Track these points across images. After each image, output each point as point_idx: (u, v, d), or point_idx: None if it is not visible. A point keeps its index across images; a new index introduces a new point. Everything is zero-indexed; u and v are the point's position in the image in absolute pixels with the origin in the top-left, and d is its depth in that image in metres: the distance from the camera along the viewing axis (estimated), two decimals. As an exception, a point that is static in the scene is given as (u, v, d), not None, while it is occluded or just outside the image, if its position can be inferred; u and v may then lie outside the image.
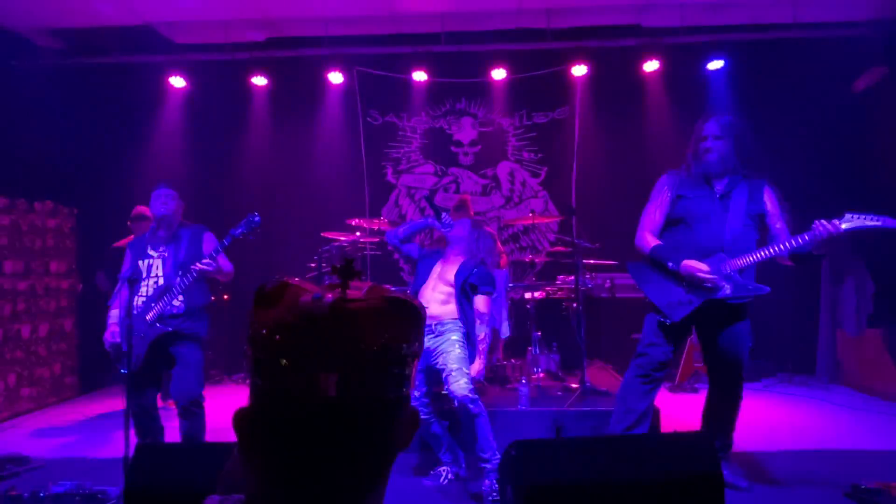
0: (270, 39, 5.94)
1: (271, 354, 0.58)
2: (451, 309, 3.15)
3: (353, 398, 0.57)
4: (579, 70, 5.82)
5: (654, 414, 3.51)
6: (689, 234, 2.89)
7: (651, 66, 5.77)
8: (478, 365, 3.16)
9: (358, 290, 0.65)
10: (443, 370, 3.08)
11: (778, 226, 2.89)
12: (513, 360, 4.76)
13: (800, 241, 2.69)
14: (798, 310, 5.67)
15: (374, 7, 5.37)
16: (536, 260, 5.67)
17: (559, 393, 4.25)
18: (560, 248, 5.71)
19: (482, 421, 3.01)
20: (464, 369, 3.03)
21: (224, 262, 3.23)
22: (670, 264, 2.83)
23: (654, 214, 3.00)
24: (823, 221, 2.63)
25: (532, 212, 5.03)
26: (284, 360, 0.57)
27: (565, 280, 4.97)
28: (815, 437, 3.95)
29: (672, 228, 2.97)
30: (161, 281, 3.17)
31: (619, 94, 6.06)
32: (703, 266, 2.76)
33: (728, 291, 2.78)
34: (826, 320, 5.62)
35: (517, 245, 6.26)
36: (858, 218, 2.61)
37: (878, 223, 2.59)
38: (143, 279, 3.17)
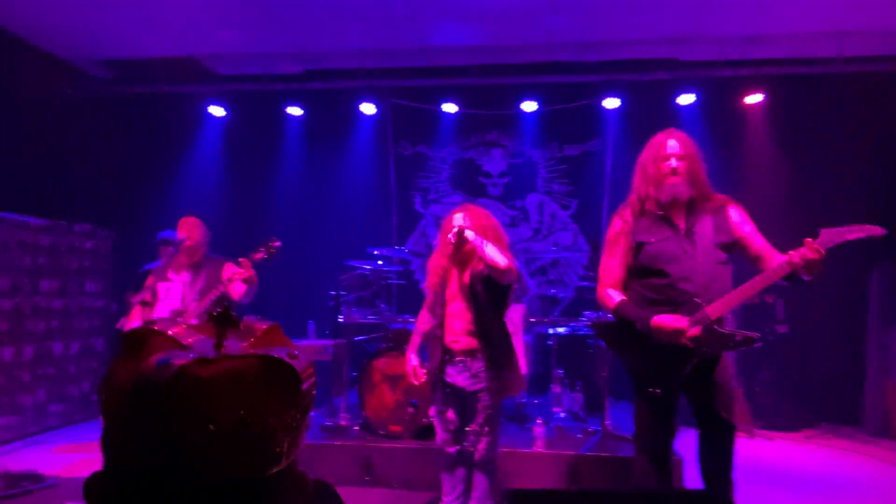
0: (308, 71, 6.10)
1: (111, 419, 0.52)
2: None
3: (207, 480, 0.50)
4: (612, 103, 5.74)
5: (677, 463, 3.33)
6: (657, 283, 2.40)
7: (687, 99, 5.65)
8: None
9: (249, 335, 0.59)
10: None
11: (758, 245, 2.41)
12: (533, 399, 4.61)
13: (780, 271, 2.20)
14: (842, 354, 5.34)
15: (407, 41, 5.46)
16: (561, 295, 5.53)
17: (579, 435, 4.08)
18: (588, 283, 5.56)
19: (488, 479, 2.81)
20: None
21: (238, 287, 3.25)
22: (639, 324, 2.34)
23: (612, 267, 2.53)
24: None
25: (556, 245, 4.91)
26: (124, 429, 0.51)
27: (591, 317, 4.82)
28: (859, 496, 3.65)
29: (637, 279, 2.49)
30: (178, 304, 3.22)
31: (653, 127, 5.79)
32: (680, 323, 2.26)
33: (709, 346, 2.27)
34: (874, 366, 5.25)
35: (545, 278, 6.13)
36: (836, 233, 2.16)
37: (862, 234, 2.14)
38: (162, 302, 3.22)
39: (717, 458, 2.45)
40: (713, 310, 2.27)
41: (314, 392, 0.61)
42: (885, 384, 5.16)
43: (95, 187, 5.73)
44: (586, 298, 5.38)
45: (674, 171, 2.43)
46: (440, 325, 2.88)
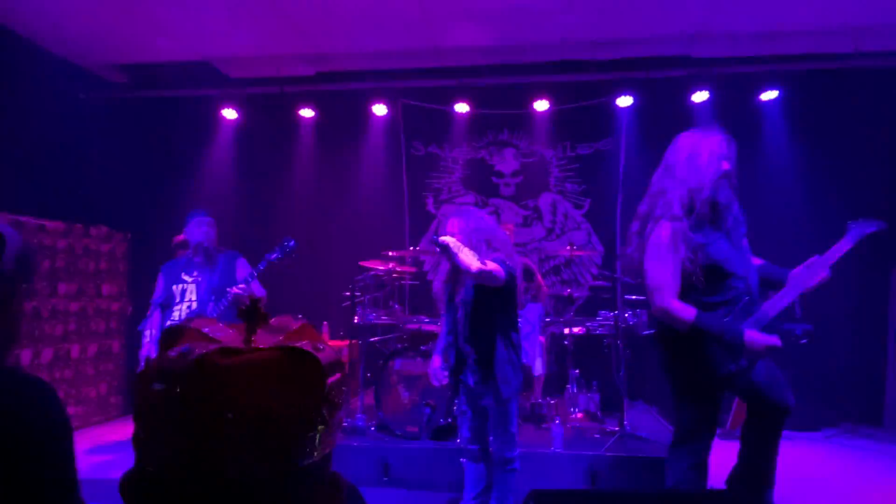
0: (319, 73, 6.12)
1: (139, 413, 0.51)
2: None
3: (232, 474, 0.48)
4: (625, 101, 5.71)
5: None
6: (720, 288, 2.36)
7: (700, 96, 5.60)
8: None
9: (281, 332, 0.58)
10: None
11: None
12: (549, 399, 4.59)
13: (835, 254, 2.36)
14: (863, 353, 5.27)
15: (419, 41, 5.46)
16: (576, 294, 5.50)
17: (597, 436, 4.05)
18: (602, 283, 5.53)
19: (508, 478, 2.91)
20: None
21: (257, 288, 3.27)
22: (728, 336, 2.26)
23: (672, 274, 2.36)
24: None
25: (571, 244, 4.89)
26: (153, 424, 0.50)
27: (607, 316, 4.79)
28: (881, 497, 3.59)
29: (697, 286, 2.37)
30: (194, 305, 3.23)
31: (666, 124, 5.80)
32: (771, 339, 2.24)
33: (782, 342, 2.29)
34: (895, 365, 5.18)
35: (559, 278, 6.11)
36: (861, 225, 2.34)
37: (874, 228, 2.32)
38: (177, 303, 3.23)
39: (762, 444, 2.52)
40: (771, 308, 2.29)
41: (344, 388, 0.60)
42: (906, 383, 5.09)
43: (111, 190, 5.78)
44: (601, 298, 5.36)
45: (728, 174, 2.38)
46: (453, 329, 2.96)
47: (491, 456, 2.93)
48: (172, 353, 0.52)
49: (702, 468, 2.44)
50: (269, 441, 0.50)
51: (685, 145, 2.49)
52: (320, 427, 0.53)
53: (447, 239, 2.68)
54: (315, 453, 0.53)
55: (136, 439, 0.54)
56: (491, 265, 2.66)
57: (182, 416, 0.49)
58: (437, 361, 3.07)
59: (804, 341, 2.32)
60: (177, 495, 0.50)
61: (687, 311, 2.32)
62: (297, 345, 0.55)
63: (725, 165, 2.39)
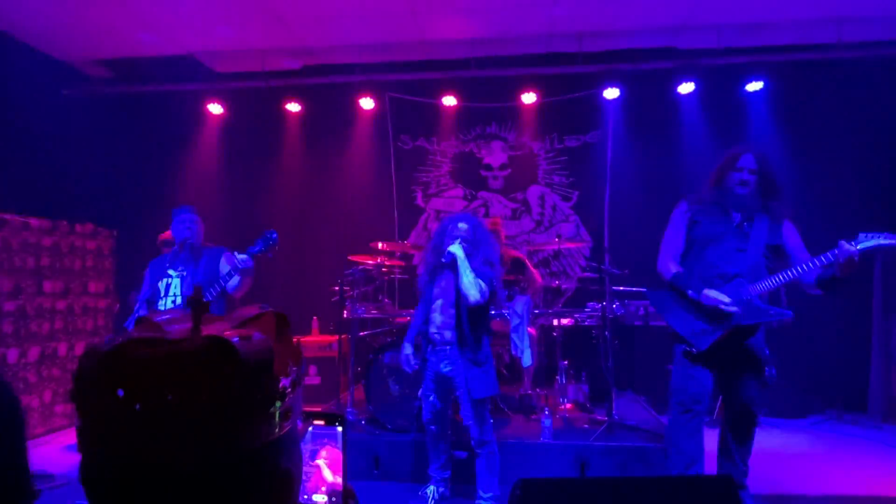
0: (306, 67, 6.08)
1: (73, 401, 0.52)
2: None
3: (157, 464, 0.49)
4: (612, 93, 5.72)
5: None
6: (709, 260, 2.84)
7: (686, 87, 5.62)
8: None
9: (235, 321, 0.58)
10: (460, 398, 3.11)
11: (802, 258, 2.79)
12: (539, 390, 4.62)
13: (822, 260, 2.58)
14: (847, 341, 5.34)
15: (405, 34, 5.43)
16: (565, 286, 5.53)
17: (586, 426, 4.08)
18: (590, 275, 5.56)
19: (489, 461, 3.07)
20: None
21: (234, 281, 3.23)
22: (690, 292, 2.79)
23: (675, 240, 2.96)
24: (846, 241, 2.52)
25: (558, 236, 4.90)
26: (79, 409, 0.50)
27: (595, 307, 4.82)
28: (866, 482, 3.65)
29: (691, 254, 2.93)
30: (179, 300, 3.22)
31: (653, 116, 5.93)
32: (724, 297, 2.70)
33: (748, 318, 2.70)
34: (878, 353, 5.25)
35: (548, 270, 6.13)
36: (873, 237, 2.49)
37: (893, 242, 2.47)
38: (161, 298, 3.22)
39: (735, 437, 2.90)
40: (754, 288, 2.70)
41: (288, 377, 0.58)
42: (890, 370, 5.16)
43: (96, 187, 5.72)
44: (590, 289, 5.39)
45: (743, 183, 2.81)
46: (426, 317, 3.22)
47: (470, 442, 3.11)
48: (95, 346, 0.52)
49: (691, 415, 2.82)
50: (186, 431, 0.49)
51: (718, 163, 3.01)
52: (245, 418, 0.52)
53: (457, 252, 2.97)
54: (245, 445, 0.52)
55: (77, 430, 0.55)
56: (480, 294, 2.95)
57: (96, 406, 0.50)
58: (408, 348, 3.26)
59: (775, 324, 2.74)
60: (113, 483, 0.51)
61: (669, 270, 2.90)
62: (225, 334, 0.54)
63: (737, 177, 2.84)
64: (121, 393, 0.49)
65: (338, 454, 1.16)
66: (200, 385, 0.49)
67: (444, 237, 3.11)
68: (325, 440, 1.09)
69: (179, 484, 0.50)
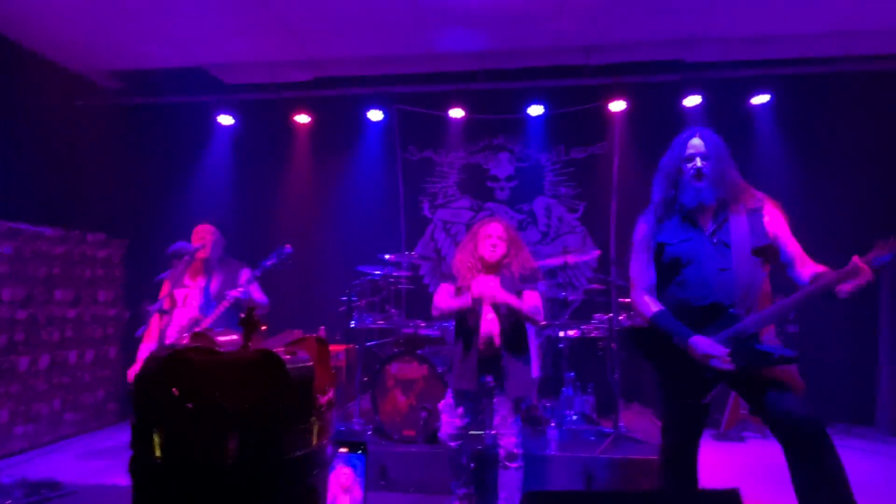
0: (316, 79, 6.15)
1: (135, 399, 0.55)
2: None
3: (204, 461, 0.51)
4: (618, 105, 5.76)
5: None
6: (689, 292, 2.28)
7: (693, 100, 5.65)
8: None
9: (282, 341, 0.61)
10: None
11: (790, 249, 2.27)
12: (545, 402, 4.62)
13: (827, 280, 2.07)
14: (855, 354, 5.32)
15: (414, 47, 5.50)
16: (571, 297, 5.54)
17: (592, 438, 4.08)
18: (596, 286, 5.56)
19: (517, 476, 2.99)
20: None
21: (257, 294, 3.30)
22: (675, 339, 2.26)
23: (646, 271, 2.41)
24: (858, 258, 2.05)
25: (565, 248, 4.92)
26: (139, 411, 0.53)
27: (601, 319, 4.82)
28: (874, 498, 3.63)
29: (670, 285, 2.36)
30: (194, 311, 3.26)
31: (659, 128, 5.87)
32: (715, 351, 2.15)
33: (748, 366, 2.16)
34: (887, 365, 5.23)
35: (554, 281, 6.14)
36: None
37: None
38: (178, 308, 3.26)
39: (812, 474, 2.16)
40: (751, 324, 2.15)
41: (325, 396, 0.61)
42: (898, 383, 5.14)
43: (108, 197, 5.79)
44: (596, 301, 5.39)
45: (699, 174, 2.29)
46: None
47: (497, 454, 3.00)
48: (158, 351, 0.55)
49: (684, 463, 2.46)
50: (231, 431, 0.52)
51: (664, 156, 2.51)
52: (284, 425, 0.55)
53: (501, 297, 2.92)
54: (282, 451, 0.55)
55: (133, 434, 0.58)
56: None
57: (152, 403, 0.53)
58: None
59: (782, 366, 2.16)
60: (158, 475, 0.53)
61: (649, 308, 2.35)
62: (274, 349, 0.57)
63: (691, 167, 2.33)
64: (176, 392, 0.52)
65: (358, 480, 1.19)
66: (248, 391, 0.52)
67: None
68: (348, 465, 1.12)
69: (218, 479, 0.52)
